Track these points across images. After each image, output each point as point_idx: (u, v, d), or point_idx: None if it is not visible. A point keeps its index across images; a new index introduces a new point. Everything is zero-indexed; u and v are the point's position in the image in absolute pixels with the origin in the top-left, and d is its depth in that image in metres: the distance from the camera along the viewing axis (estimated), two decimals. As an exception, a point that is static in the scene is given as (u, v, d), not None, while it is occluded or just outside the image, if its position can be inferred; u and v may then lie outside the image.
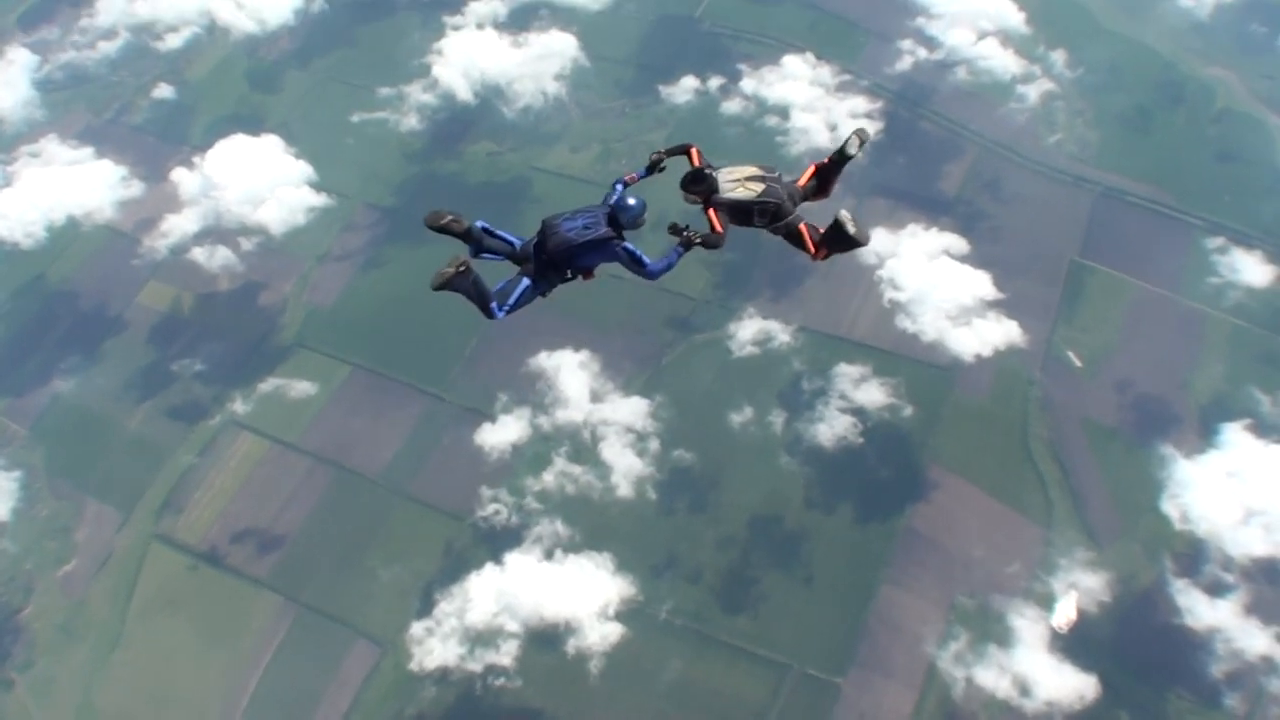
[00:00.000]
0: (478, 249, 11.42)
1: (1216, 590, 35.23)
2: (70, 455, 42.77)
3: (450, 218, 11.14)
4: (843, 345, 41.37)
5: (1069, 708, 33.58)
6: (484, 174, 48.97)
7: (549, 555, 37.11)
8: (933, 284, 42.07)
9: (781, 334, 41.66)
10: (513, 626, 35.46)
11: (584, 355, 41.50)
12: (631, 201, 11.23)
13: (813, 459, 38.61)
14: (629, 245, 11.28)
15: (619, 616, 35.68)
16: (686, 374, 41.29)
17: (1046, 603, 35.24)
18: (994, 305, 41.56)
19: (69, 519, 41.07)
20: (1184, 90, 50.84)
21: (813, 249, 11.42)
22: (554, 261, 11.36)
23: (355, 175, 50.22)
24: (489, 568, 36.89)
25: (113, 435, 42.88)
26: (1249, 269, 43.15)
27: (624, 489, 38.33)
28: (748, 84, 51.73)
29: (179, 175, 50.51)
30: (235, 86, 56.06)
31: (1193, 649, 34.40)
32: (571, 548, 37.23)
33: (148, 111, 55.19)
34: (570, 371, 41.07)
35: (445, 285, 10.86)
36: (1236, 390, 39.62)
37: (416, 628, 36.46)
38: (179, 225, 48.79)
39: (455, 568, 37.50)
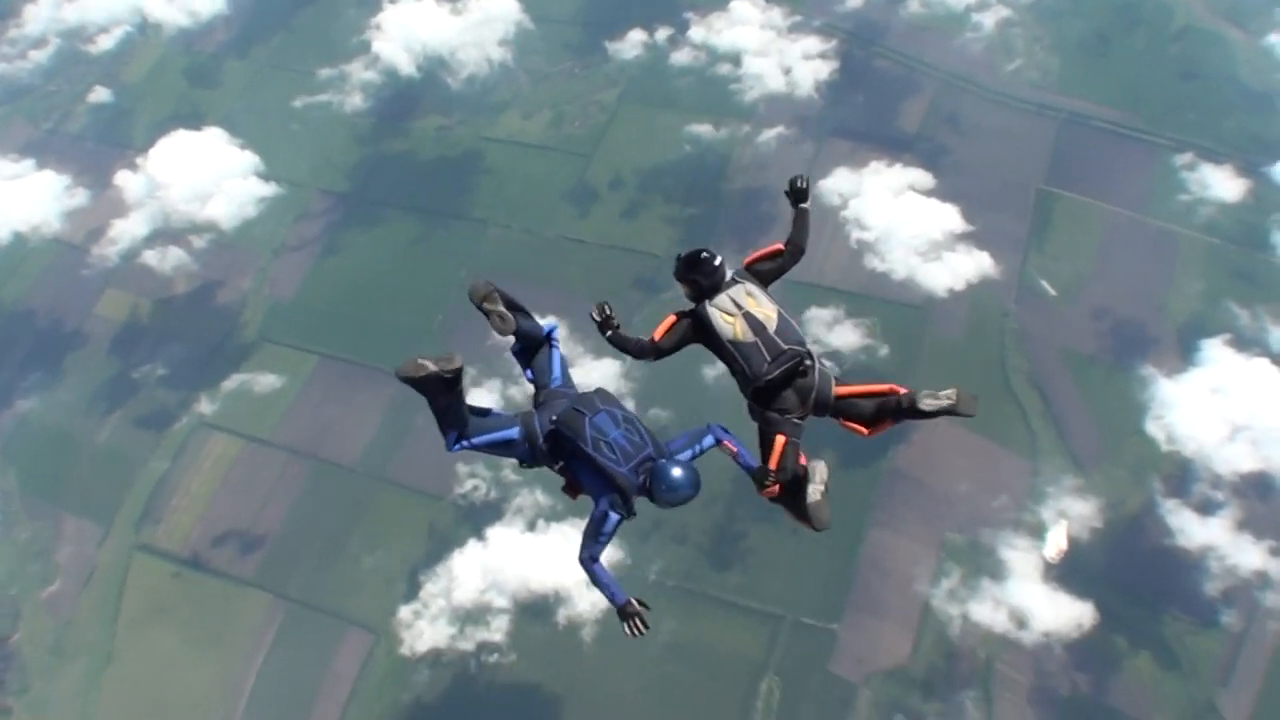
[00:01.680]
0: (523, 348, 9.20)
1: (1207, 509, 36.04)
2: (43, 475, 43.26)
3: (493, 291, 8.66)
4: (813, 290, 41.73)
5: (1067, 637, 34.49)
6: (435, 149, 49.58)
7: (531, 526, 37.75)
8: (900, 220, 42.61)
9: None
10: (501, 602, 36.27)
11: (550, 321, 41.16)
12: (677, 474, 8.09)
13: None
14: (614, 519, 8.51)
15: (609, 582, 36.17)
16: (655, 332, 41.29)
17: (1037, 533, 36.04)
18: (964, 238, 42.25)
19: (48, 539, 41.53)
20: (1142, 10, 51.60)
21: (771, 470, 8.48)
22: (557, 437, 8.56)
23: (304, 162, 50.62)
24: (472, 545, 37.60)
25: (84, 450, 43.33)
26: (1219, 184, 43.86)
27: (602, 451, 38.62)
28: (696, 33, 52.37)
29: (123, 179, 50.66)
30: (173, 83, 56.34)
31: (1186, 569, 35.26)
32: (554, 517, 37.82)
33: (86, 117, 55.36)
34: (536, 351, 41.10)
35: (418, 382, 7.93)
36: (1213, 307, 40.36)
37: (404, 611, 37.25)
38: (128, 230, 49.07)
39: (439, 548, 38.29)
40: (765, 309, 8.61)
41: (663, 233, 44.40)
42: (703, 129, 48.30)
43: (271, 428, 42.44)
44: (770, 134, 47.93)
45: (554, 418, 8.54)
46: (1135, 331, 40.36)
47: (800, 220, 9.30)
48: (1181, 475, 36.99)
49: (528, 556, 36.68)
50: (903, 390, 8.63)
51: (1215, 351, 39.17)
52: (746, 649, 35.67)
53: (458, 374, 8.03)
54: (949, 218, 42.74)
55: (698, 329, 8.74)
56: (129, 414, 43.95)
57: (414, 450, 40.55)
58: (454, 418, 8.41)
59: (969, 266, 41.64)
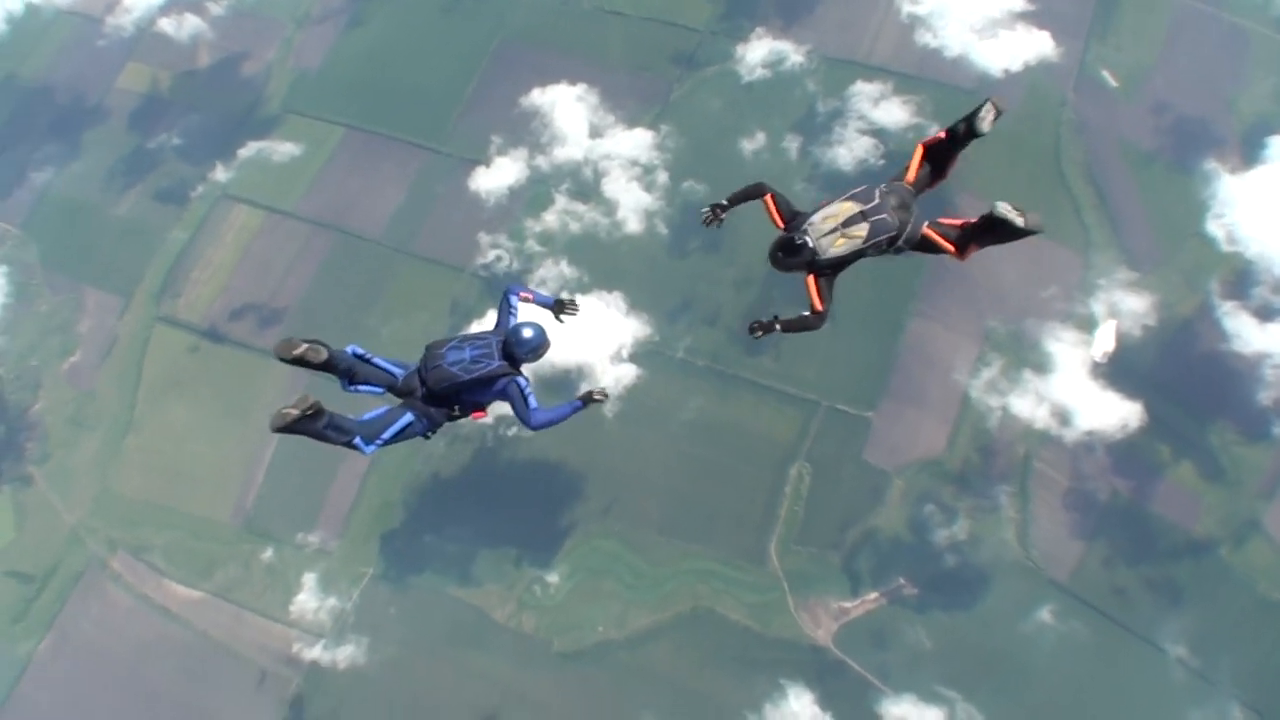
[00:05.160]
0: (349, 379, 9.84)
1: (1266, 314, 33.00)
2: (64, 248, 41.43)
3: (305, 347, 9.34)
4: (859, 69, 38.34)
5: (1110, 437, 32.09)
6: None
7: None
8: (956, -7, 38.61)
9: (794, 55, 38.55)
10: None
11: (581, 89, 38.83)
12: (528, 334, 10.20)
13: (831, 184, 35.78)
14: (522, 381, 10.21)
15: (634, 358, 34.20)
16: (694, 106, 38.52)
17: (1086, 326, 33.32)
18: (1023, 16, 38.19)
19: (70, 312, 40.01)
20: None
21: (953, 249, 9.73)
22: (437, 397, 9.99)
23: (324, -74, 46.28)
24: (492, 316, 34.92)
25: (105, 224, 41.34)
26: (1298, -20, 39.03)
27: (632, 225, 36.22)
28: None
29: (133, -57, 46.33)
30: None
31: (1240, 376, 32.51)
32: (579, 288, 35.35)
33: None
34: (567, 106, 38.42)
35: (288, 429, 9.18)
36: (1284, 106, 36.24)
37: (420, 390, 35.23)
38: (141, -1, 45.26)
39: (459, 321, 36.06)
40: (841, 206, 9.51)
41: (702, 7, 40.49)
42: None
43: (295, 199, 39.92)
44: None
45: (425, 383, 9.91)
46: (1198, 128, 36.42)
47: (743, 200, 10.50)
48: (1241, 278, 33.80)
49: (549, 328, 33.54)
50: (939, 137, 9.82)
51: (1283, 149, 35.13)
52: (777, 433, 33.58)
53: (318, 407, 9.15)
54: (1009, -7, 38.57)
55: (840, 266, 9.59)
56: (149, 187, 41.64)
57: (440, 222, 38.16)
58: (346, 434, 9.45)
59: (1028, 47, 37.69)
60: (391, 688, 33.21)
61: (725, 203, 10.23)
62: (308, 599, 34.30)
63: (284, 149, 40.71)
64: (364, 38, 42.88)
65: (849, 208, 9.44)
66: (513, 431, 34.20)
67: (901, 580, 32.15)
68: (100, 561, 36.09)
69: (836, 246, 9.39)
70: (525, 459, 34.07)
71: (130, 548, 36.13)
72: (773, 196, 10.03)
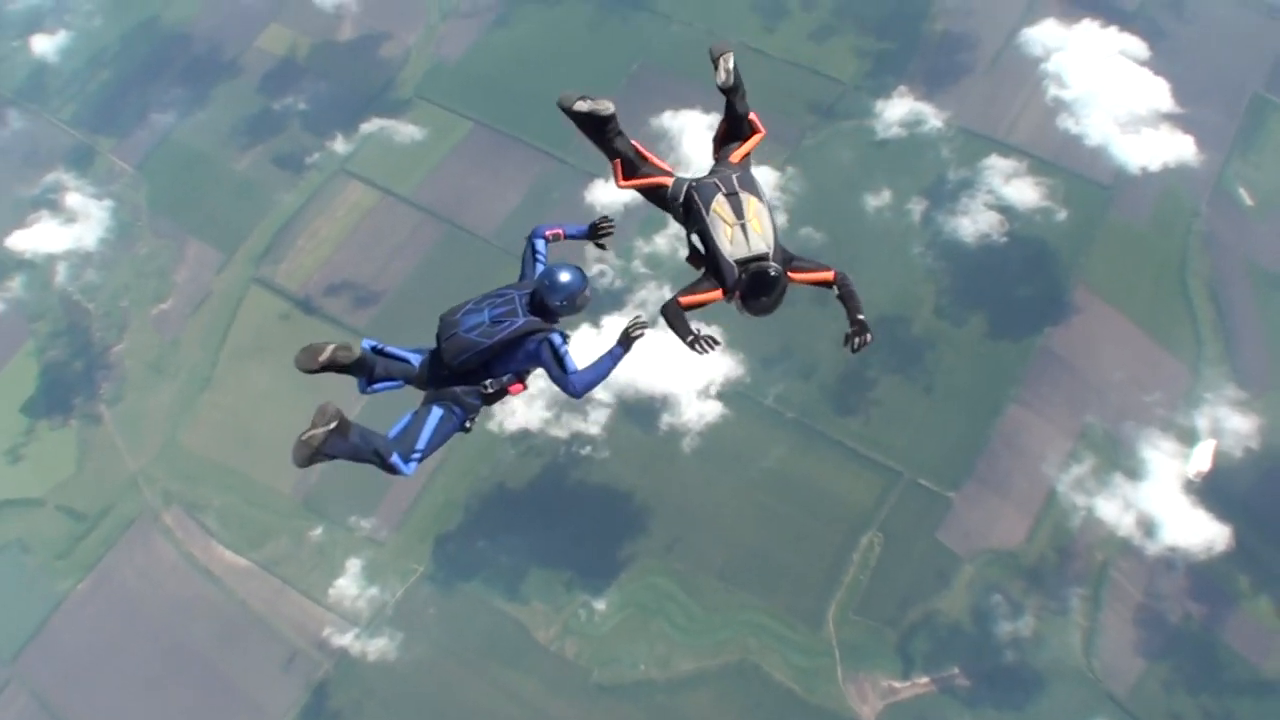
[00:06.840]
0: (367, 380, 8.38)
1: None
2: (174, 195, 41.63)
3: (333, 349, 7.88)
4: (996, 145, 37.82)
5: (1194, 557, 30.78)
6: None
7: (653, 322, 34.49)
8: (1104, 84, 37.99)
9: (933, 119, 38.11)
10: (604, 395, 33.46)
11: (713, 118, 38.12)
12: (564, 278, 8.31)
13: (949, 253, 35.52)
14: (556, 338, 8.37)
15: (721, 396, 33.39)
16: (824, 154, 38.00)
17: (1187, 439, 32.09)
18: (1169, 118, 37.40)
19: (168, 259, 40.09)
20: None
21: (759, 133, 9.33)
22: (457, 376, 8.41)
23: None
24: (584, 330, 33.98)
25: (219, 178, 41.59)
26: None
27: (743, 262, 35.51)
28: None
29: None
30: None
31: None
32: (679, 318, 34.75)
33: None
34: (697, 133, 37.85)
35: (315, 457, 7.62)
36: None
37: (502, 386, 34.82)
38: (292, -40, 45.54)
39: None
40: (721, 208, 8.58)
41: (850, 62, 40.20)
42: (914, -37, 43.45)
43: (414, 185, 39.99)
44: (982, -23, 42.97)
45: (440, 362, 8.46)
46: (1327, 263, 35.24)
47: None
48: (1351, 423, 32.28)
49: (641, 354, 33.00)
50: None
51: None
52: (855, 498, 32.60)
53: (342, 420, 7.73)
54: (1158, 93, 37.85)
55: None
56: (269, 149, 41.92)
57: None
58: (378, 451, 7.95)
59: (1169, 149, 36.83)
60: (419, 689, 32.34)
61: (696, 332, 9.03)
62: (348, 584, 33.62)
63: (407, 131, 40.78)
64: (507, 39, 43.02)
65: (720, 206, 8.40)
66: (585, 450, 33.53)
67: (956, 669, 30.86)
68: (153, 512, 35.71)
69: (760, 232, 8.31)
70: (596, 481, 33.35)
71: (185, 504, 35.74)
72: (688, 299, 8.87)
